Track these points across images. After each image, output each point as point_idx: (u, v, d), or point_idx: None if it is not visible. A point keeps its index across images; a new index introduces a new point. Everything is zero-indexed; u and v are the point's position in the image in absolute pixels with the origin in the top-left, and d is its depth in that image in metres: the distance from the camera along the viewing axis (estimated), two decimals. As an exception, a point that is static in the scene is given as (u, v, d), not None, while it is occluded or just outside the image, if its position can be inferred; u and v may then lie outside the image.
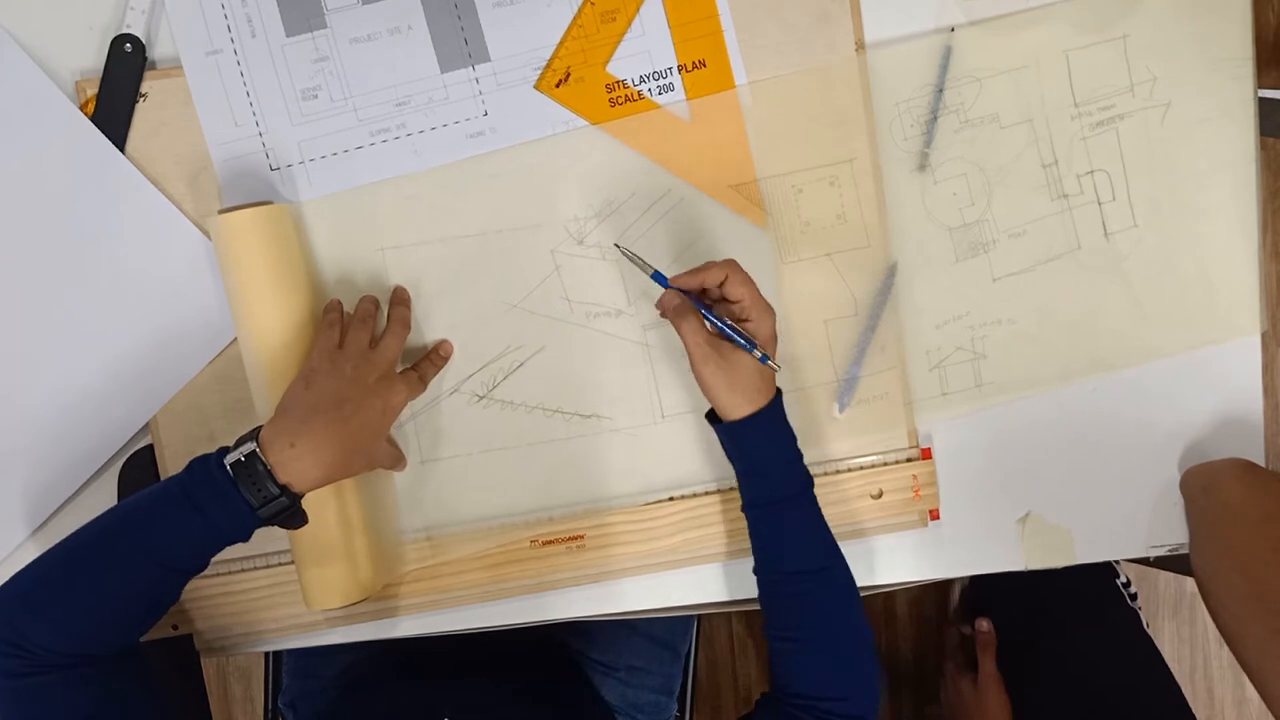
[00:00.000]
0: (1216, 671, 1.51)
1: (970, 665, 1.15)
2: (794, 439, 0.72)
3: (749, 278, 0.68)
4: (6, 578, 0.64)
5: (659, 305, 0.71)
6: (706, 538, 0.79)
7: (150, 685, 0.66)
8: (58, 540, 0.64)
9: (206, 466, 0.64)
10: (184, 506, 0.63)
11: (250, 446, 0.63)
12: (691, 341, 0.68)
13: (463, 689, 0.84)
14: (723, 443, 0.73)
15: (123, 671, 0.65)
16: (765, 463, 0.71)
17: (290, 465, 0.63)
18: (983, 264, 0.80)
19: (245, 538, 0.65)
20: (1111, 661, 1.01)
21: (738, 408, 0.69)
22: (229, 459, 0.63)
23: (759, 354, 0.68)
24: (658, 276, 0.69)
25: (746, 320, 0.68)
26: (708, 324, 0.69)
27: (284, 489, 0.63)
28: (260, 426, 0.65)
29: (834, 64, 0.77)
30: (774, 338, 0.69)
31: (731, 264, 0.68)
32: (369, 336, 0.72)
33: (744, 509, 0.73)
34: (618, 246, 0.72)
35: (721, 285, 0.68)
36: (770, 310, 0.69)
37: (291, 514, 0.65)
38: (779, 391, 0.71)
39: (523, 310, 0.78)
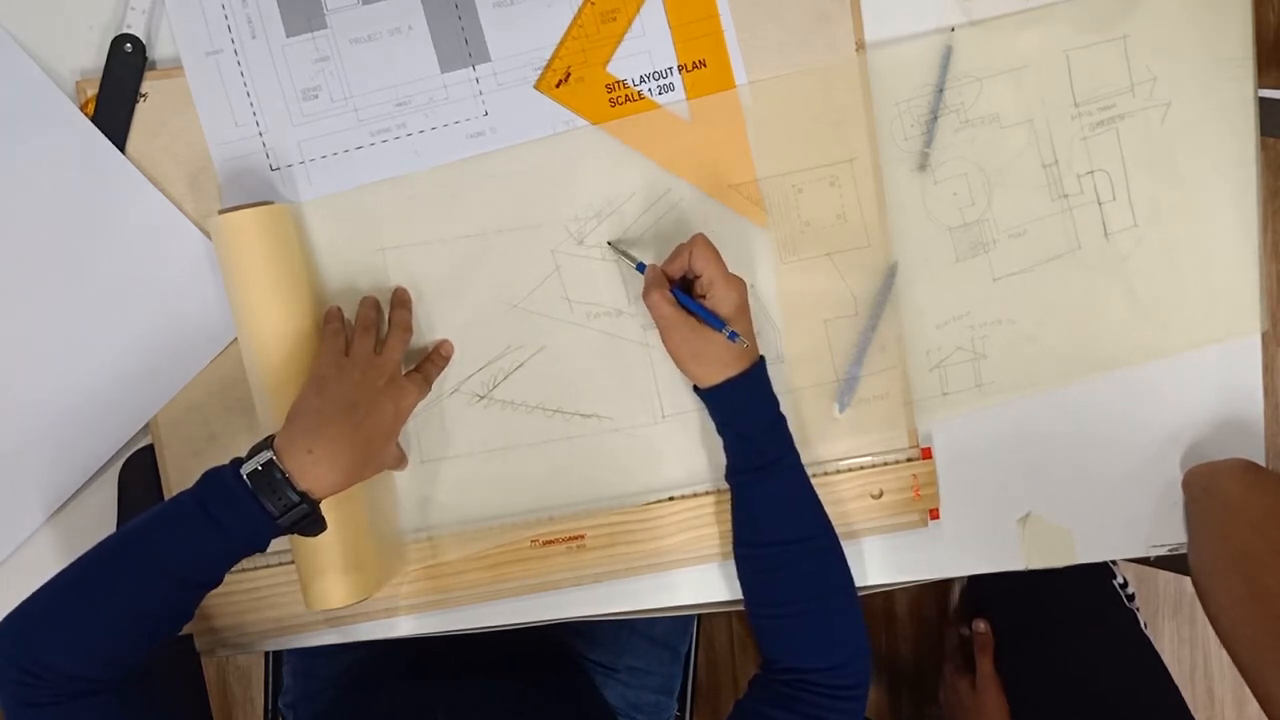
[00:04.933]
0: (1216, 671, 1.51)
1: (969, 666, 1.15)
2: (775, 405, 0.73)
3: (712, 253, 0.71)
4: (7, 581, 0.63)
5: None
6: (706, 538, 0.79)
7: (162, 702, 0.66)
8: (59, 541, 0.64)
9: (221, 478, 0.63)
10: (200, 520, 0.62)
11: (267, 455, 0.63)
12: (657, 314, 0.71)
13: (465, 689, 0.84)
14: (710, 412, 0.74)
15: (137, 691, 0.64)
16: (743, 428, 0.73)
17: (308, 471, 0.63)
18: (983, 264, 0.80)
19: (263, 548, 0.65)
20: (1110, 662, 1.01)
21: (707, 376, 0.71)
22: (245, 469, 0.63)
23: (727, 331, 0.69)
24: (640, 268, 0.73)
25: (704, 296, 0.71)
26: (677, 301, 0.71)
27: (304, 496, 0.63)
28: (272, 436, 0.65)
29: (834, 64, 0.77)
30: (743, 308, 0.71)
31: (696, 240, 0.71)
32: (374, 341, 0.72)
33: (727, 477, 0.75)
34: (610, 245, 0.76)
35: (689, 259, 0.71)
36: (735, 282, 0.71)
37: (311, 520, 0.65)
38: (761, 359, 0.73)
39: (523, 310, 0.78)
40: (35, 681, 0.60)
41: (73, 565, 0.63)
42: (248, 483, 0.62)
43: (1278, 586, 0.69)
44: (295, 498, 0.63)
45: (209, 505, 0.62)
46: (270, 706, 1.05)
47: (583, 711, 0.91)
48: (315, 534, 0.67)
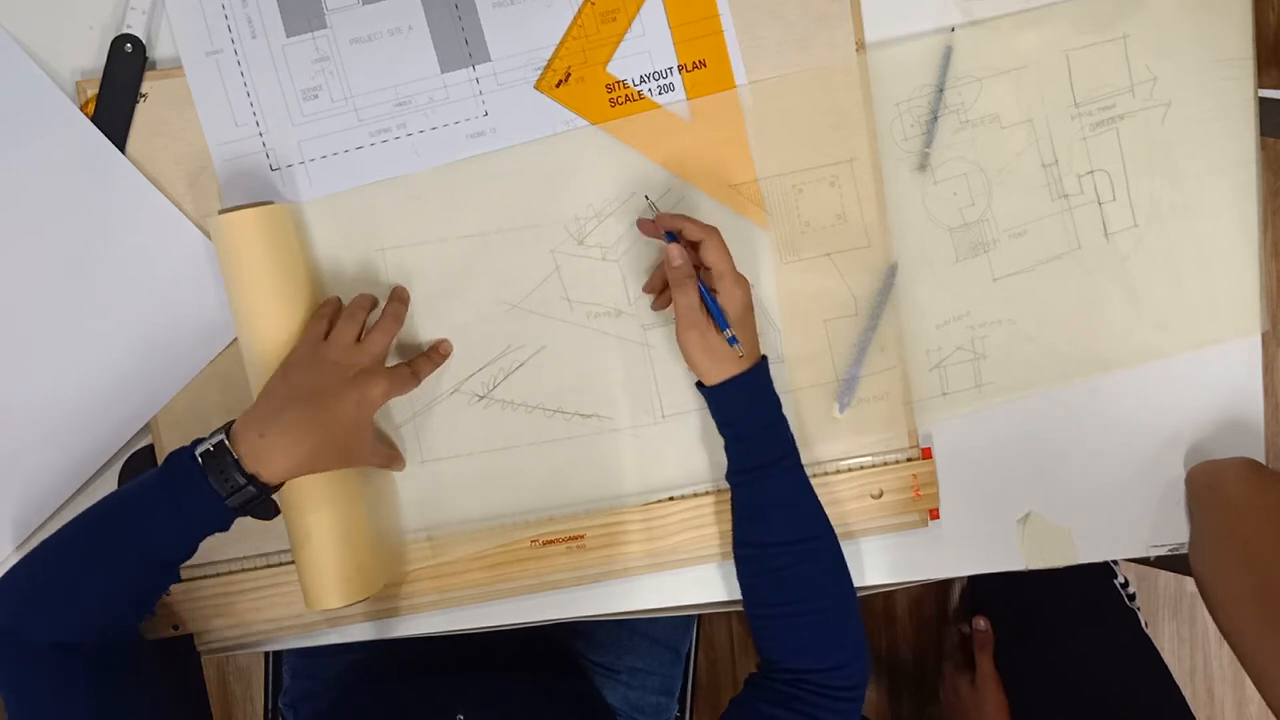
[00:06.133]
0: (1217, 671, 1.51)
1: (968, 665, 1.15)
2: (776, 405, 0.73)
3: (725, 249, 0.71)
4: (7, 577, 0.64)
5: (667, 253, 0.71)
6: (706, 538, 0.79)
7: (145, 675, 0.67)
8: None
9: (181, 458, 0.64)
10: (161, 498, 0.64)
11: (219, 437, 0.64)
12: (684, 304, 0.70)
13: (469, 689, 0.84)
14: (711, 410, 0.74)
15: (116, 662, 0.65)
16: (744, 427, 0.73)
17: (259, 455, 0.64)
18: (983, 264, 0.80)
19: (223, 527, 0.66)
20: (1109, 661, 1.01)
21: (714, 373, 0.71)
22: (199, 449, 0.64)
23: (729, 334, 0.70)
24: (670, 237, 0.72)
25: (715, 291, 0.71)
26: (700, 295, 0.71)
27: (251, 479, 0.64)
28: (232, 422, 0.66)
29: (834, 64, 0.77)
30: (749, 306, 0.72)
31: (712, 231, 0.71)
32: (357, 330, 0.71)
33: (728, 477, 0.75)
34: (649, 200, 0.76)
35: (698, 248, 0.71)
36: (742, 282, 0.71)
37: (260, 504, 0.66)
38: (764, 358, 0.73)
39: (523, 310, 0.78)
40: (11, 642, 0.62)
41: (54, 534, 0.65)
42: (200, 463, 0.63)
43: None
44: (242, 480, 0.63)
45: (169, 484, 0.64)
46: (270, 706, 1.05)
47: (592, 712, 0.91)
48: (266, 518, 0.68)
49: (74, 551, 0.65)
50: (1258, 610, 0.70)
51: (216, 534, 0.66)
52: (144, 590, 0.67)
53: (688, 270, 0.71)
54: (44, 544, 0.65)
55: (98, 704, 0.63)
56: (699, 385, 0.74)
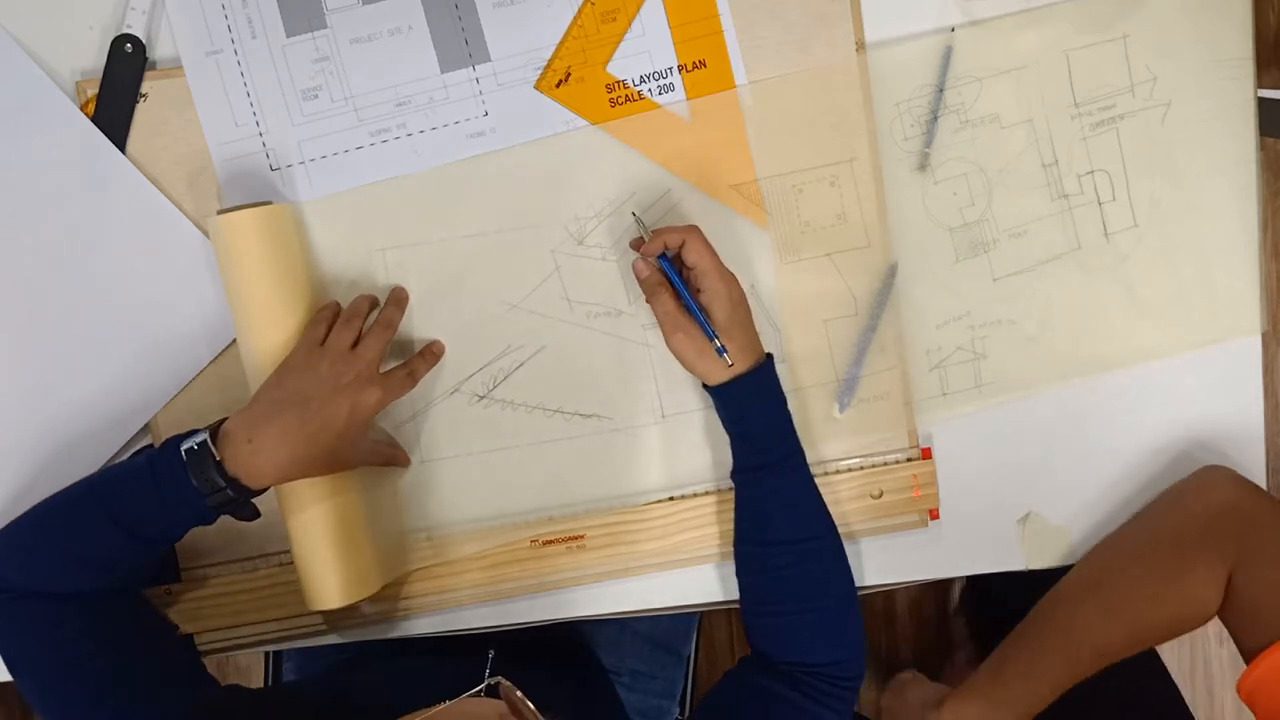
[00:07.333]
0: (1216, 672, 1.51)
1: (979, 659, 1.15)
2: (783, 403, 0.73)
3: (707, 246, 0.71)
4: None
5: (634, 267, 0.73)
6: (706, 538, 0.79)
7: (132, 622, 0.68)
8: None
9: (169, 448, 0.65)
10: (148, 480, 0.65)
11: (203, 436, 0.64)
12: (660, 312, 0.71)
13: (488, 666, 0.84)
14: (716, 408, 0.74)
15: (98, 604, 0.66)
16: (749, 425, 0.73)
17: (244, 460, 0.64)
18: (983, 264, 0.80)
19: (205, 521, 0.66)
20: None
21: (714, 374, 0.71)
22: (184, 445, 0.64)
23: (717, 344, 0.70)
24: (663, 259, 0.72)
25: (699, 290, 0.71)
26: (680, 299, 0.71)
27: (232, 482, 0.64)
28: (226, 418, 0.66)
29: (834, 64, 0.77)
30: (739, 302, 0.71)
31: (692, 230, 0.71)
32: (354, 335, 0.71)
33: (732, 475, 0.75)
34: (635, 216, 0.74)
35: (680, 250, 0.71)
36: (728, 278, 0.71)
37: (238, 506, 0.66)
38: (769, 356, 0.73)
39: (523, 310, 0.78)
40: None
41: (56, 493, 0.67)
42: (183, 458, 0.64)
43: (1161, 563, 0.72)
44: (221, 482, 0.64)
45: (157, 469, 0.65)
46: (270, 706, 1.04)
47: (611, 712, 0.91)
48: (245, 519, 0.68)
49: (60, 509, 0.66)
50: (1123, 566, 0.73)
51: (217, 534, 0.66)
52: (117, 560, 0.67)
53: (656, 279, 0.71)
54: (44, 500, 0.67)
55: (75, 644, 0.64)
56: (705, 385, 0.74)
